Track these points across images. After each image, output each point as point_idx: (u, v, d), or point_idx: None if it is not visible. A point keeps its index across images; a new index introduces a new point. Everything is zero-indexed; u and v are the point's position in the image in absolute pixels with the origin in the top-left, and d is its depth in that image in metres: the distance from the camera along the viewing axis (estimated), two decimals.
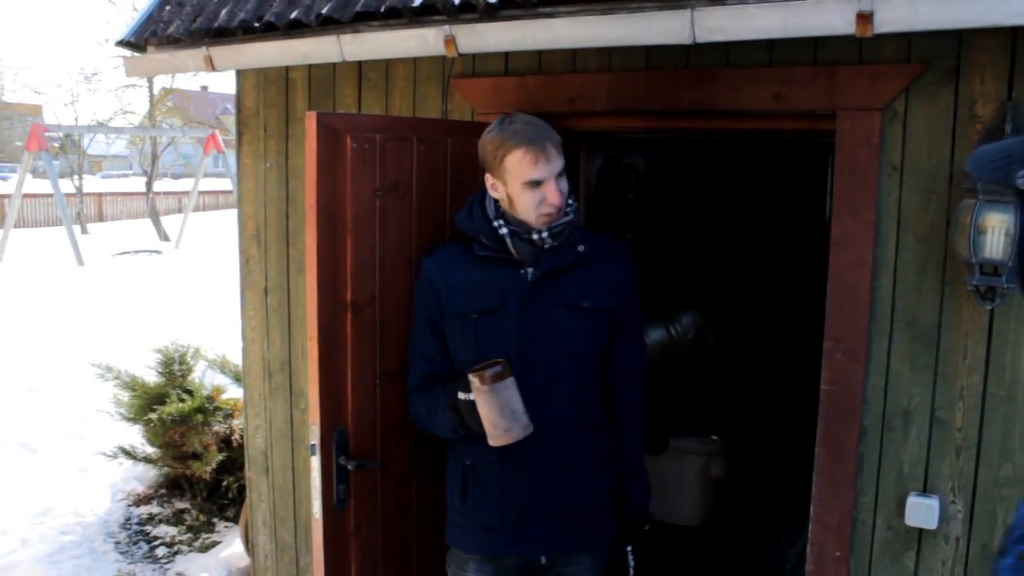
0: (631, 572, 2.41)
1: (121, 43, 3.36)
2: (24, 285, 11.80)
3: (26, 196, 18.36)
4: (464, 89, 2.98)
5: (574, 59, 2.76)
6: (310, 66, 3.29)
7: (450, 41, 2.49)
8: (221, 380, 5.47)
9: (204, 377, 5.44)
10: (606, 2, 2.26)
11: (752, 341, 5.68)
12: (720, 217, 5.94)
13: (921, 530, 2.42)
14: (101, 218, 24.58)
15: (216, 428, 5.05)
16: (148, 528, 5.02)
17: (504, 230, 2.26)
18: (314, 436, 2.42)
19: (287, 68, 3.37)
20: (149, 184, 21.17)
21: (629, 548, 2.41)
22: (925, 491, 2.40)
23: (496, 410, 2.12)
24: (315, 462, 2.42)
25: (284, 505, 3.74)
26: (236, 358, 4.05)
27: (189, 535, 4.92)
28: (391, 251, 2.49)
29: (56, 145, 20.37)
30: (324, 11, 2.75)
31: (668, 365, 5.17)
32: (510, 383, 2.12)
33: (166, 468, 5.24)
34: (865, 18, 1.90)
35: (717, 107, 2.50)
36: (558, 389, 2.27)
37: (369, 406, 2.50)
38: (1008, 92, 2.17)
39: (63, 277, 12.90)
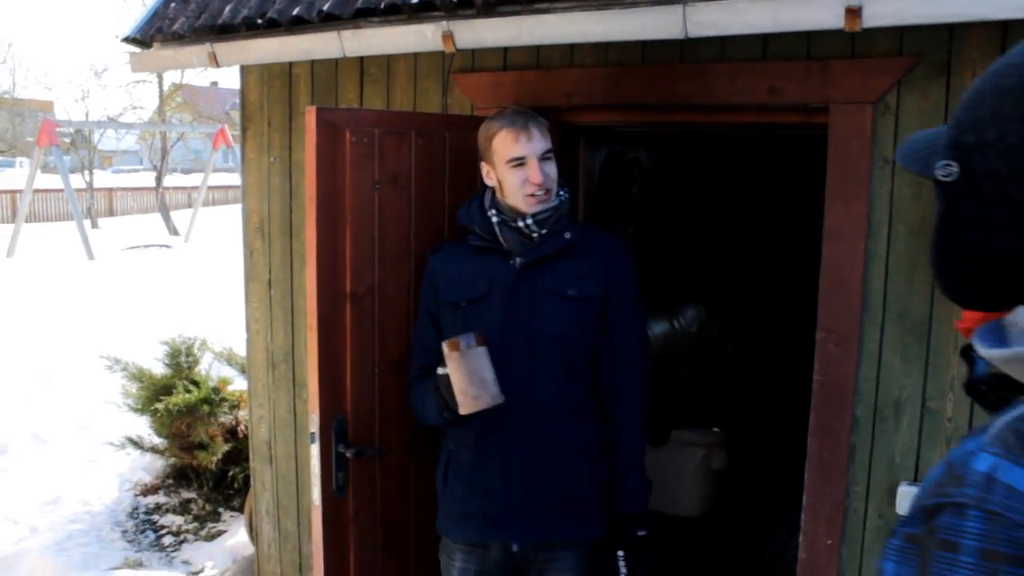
0: None
1: (127, 39, 3.41)
2: (35, 279, 11.90)
3: (37, 191, 18.48)
4: (464, 84, 3.02)
5: (572, 54, 2.79)
6: (313, 61, 3.33)
7: (448, 37, 2.53)
8: (228, 372, 5.53)
9: (211, 369, 5.50)
10: None
11: (755, 334, 5.71)
12: (724, 211, 5.96)
13: None
14: (111, 213, 24.71)
15: (222, 419, 5.10)
16: (155, 517, 5.09)
17: (495, 219, 2.32)
18: (313, 424, 2.47)
19: (290, 64, 3.41)
20: (159, 179, 21.27)
21: (621, 554, 2.32)
22: (916, 480, 2.43)
23: (466, 377, 2.15)
24: (314, 450, 2.47)
25: (287, 494, 3.79)
26: (243, 350, 4.10)
27: (195, 524, 4.98)
28: (390, 243, 2.53)
29: (67, 140, 20.49)
30: (326, 7, 2.79)
31: (671, 358, 5.20)
32: (481, 351, 2.16)
33: (173, 458, 5.30)
34: (854, 12, 1.93)
35: (712, 101, 2.53)
36: (538, 376, 2.29)
37: (368, 395, 2.54)
38: None
39: (74, 271, 13.00)
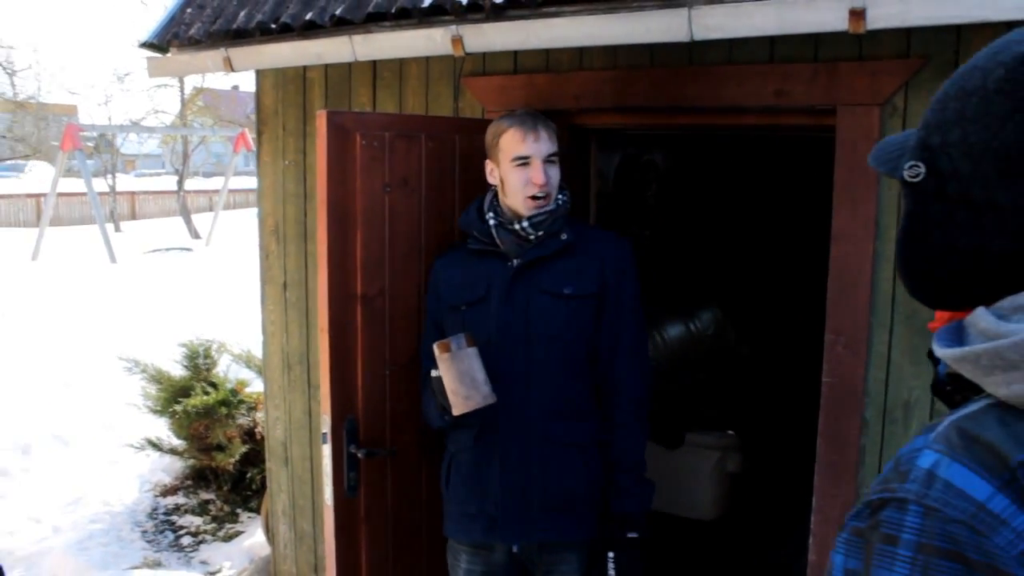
0: None
1: (144, 45, 3.46)
2: (59, 282, 12.04)
3: (61, 195, 18.68)
4: (475, 87, 3.04)
5: (581, 57, 2.81)
6: (326, 66, 3.37)
7: (457, 41, 2.55)
8: (246, 374, 5.58)
9: (229, 371, 5.55)
10: (608, 1, 2.31)
11: (772, 336, 5.69)
12: (740, 213, 5.95)
13: None
14: (134, 216, 24.95)
15: (240, 421, 5.15)
16: (174, 518, 5.14)
17: (492, 222, 2.34)
18: (325, 425, 2.50)
19: (304, 68, 3.45)
20: (180, 182, 21.46)
21: (611, 555, 2.28)
22: None
23: (456, 377, 2.17)
24: (326, 450, 2.50)
25: (303, 495, 3.83)
26: (261, 352, 4.14)
27: (213, 525, 5.03)
28: (400, 245, 2.56)
29: (90, 144, 20.70)
30: (338, 12, 2.82)
31: (686, 361, 5.20)
32: (471, 352, 2.18)
33: (192, 460, 5.35)
34: (857, 14, 1.94)
35: (720, 103, 2.54)
36: (535, 376, 2.30)
37: (379, 396, 2.57)
38: None
39: (96, 274, 13.13)
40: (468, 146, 2.67)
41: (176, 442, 5.35)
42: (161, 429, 5.43)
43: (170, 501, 5.34)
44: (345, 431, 2.50)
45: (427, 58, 3.09)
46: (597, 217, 3.40)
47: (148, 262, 15.17)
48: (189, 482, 5.49)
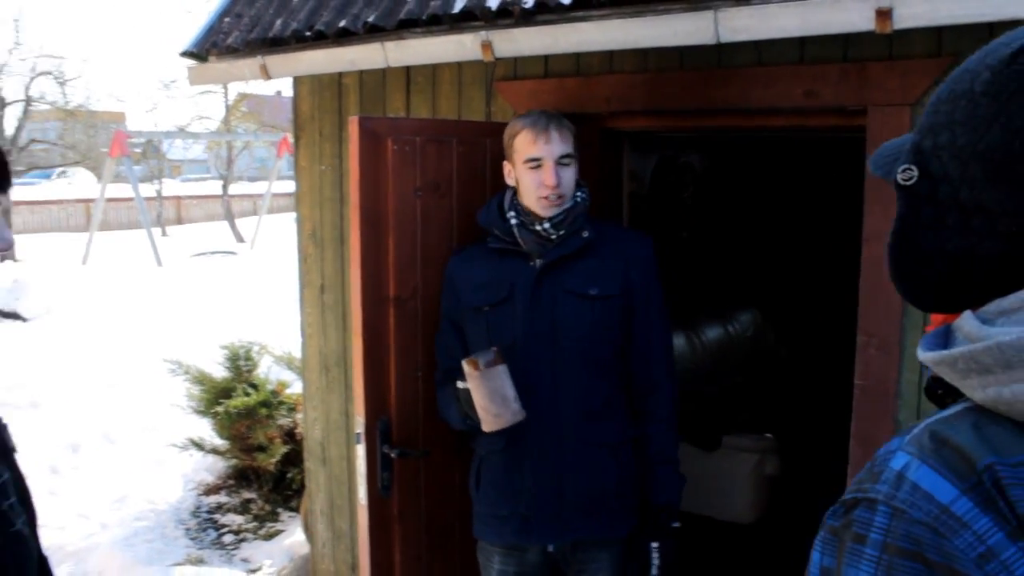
0: (654, 571, 2.34)
1: (185, 54, 3.54)
2: (107, 285, 12.30)
3: (109, 200, 19.08)
4: (506, 91, 3.07)
5: (611, 61, 2.82)
6: (361, 72, 3.42)
7: (486, 46, 2.58)
8: (287, 376, 5.67)
9: (270, 372, 5.64)
10: (635, 5, 2.33)
11: (810, 339, 5.64)
12: (780, 215, 5.91)
13: None
14: (180, 220, 25.39)
15: (280, 421, 5.22)
16: (216, 516, 5.24)
17: (514, 221, 2.34)
18: (359, 425, 2.54)
19: (340, 74, 3.51)
20: (225, 187, 21.78)
21: (655, 545, 2.34)
22: None
23: (487, 395, 2.19)
24: (360, 450, 2.54)
25: (340, 494, 3.88)
26: (300, 354, 4.22)
27: (255, 524, 5.12)
28: (432, 248, 2.59)
29: (138, 151, 21.11)
30: (371, 19, 2.86)
31: (725, 363, 5.17)
32: (502, 370, 2.19)
33: (234, 460, 5.45)
34: (884, 14, 1.93)
35: (749, 105, 2.54)
36: (564, 378, 2.31)
37: (411, 397, 2.60)
38: None
39: (143, 278, 13.39)
40: (499, 150, 2.69)
41: (218, 442, 5.45)
42: (204, 429, 5.54)
43: (213, 500, 5.44)
44: (378, 431, 2.54)
45: (459, 63, 3.12)
46: (631, 219, 3.41)
47: (193, 265, 15.44)
48: (231, 481, 5.59)
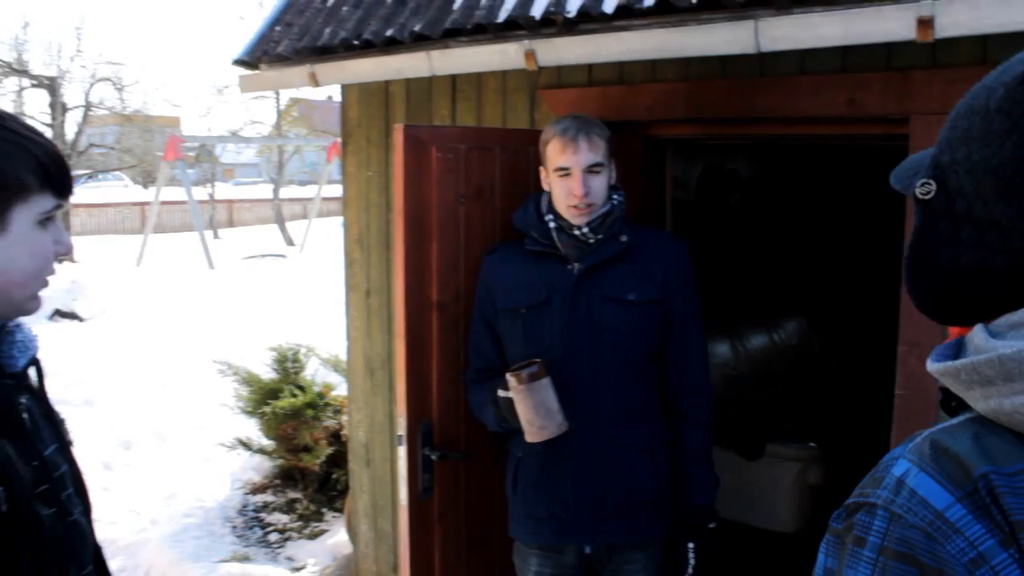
0: (690, 570, 2.37)
1: (237, 62, 3.63)
2: (160, 287, 12.57)
3: (164, 203, 19.50)
4: (550, 99, 3.10)
5: (654, 69, 2.84)
6: (408, 80, 3.48)
7: (530, 55, 2.62)
8: (333, 378, 5.75)
9: (317, 374, 5.74)
10: (678, 14, 2.34)
11: (858, 347, 5.57)
12: (824, 222, 5.85)
13: None
14: (231, 224, 25.82)
15: (326, 423, 5.31)
16: (262, 515, 5.34)
17: (552, 224, 2.35)
18: (401, 428, 2.59)
19: (387, 82, 3.57)
20: (276, 191, 22.10)
21: (692, 546, 2.37)
22: None
23: (531, 408, 2.21)
24: (402, 452, 2.59)
25: (383, 495, 3.94)
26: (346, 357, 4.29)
27: (300, 523, 5.21)
28: (474, 254, 2.63)
29: (191, 155, 21.52)
30: (417, 28, 2.92)
31: (769, 371, 5.14)
32: (546, 383, 2.21)
33: (280, 460, 5.55)
34: (926, 23, 1.92)
35: (791, 114, 2.54)
36: (603, 382, 2.33)
37: (453, 400, 2.64)
38: None
39: (195, 280, 13.66)
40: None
41: (265, 442, 5.55)
42: (251, 429, 5.65)
43: (259, 499, 5.54)
44: (420, 434, 2.58)
45: (504, 72, 3.17)
46: (675, 225, 3.42)
47: (244, 268, 15.69)
48: (277, 481, 5.69)
